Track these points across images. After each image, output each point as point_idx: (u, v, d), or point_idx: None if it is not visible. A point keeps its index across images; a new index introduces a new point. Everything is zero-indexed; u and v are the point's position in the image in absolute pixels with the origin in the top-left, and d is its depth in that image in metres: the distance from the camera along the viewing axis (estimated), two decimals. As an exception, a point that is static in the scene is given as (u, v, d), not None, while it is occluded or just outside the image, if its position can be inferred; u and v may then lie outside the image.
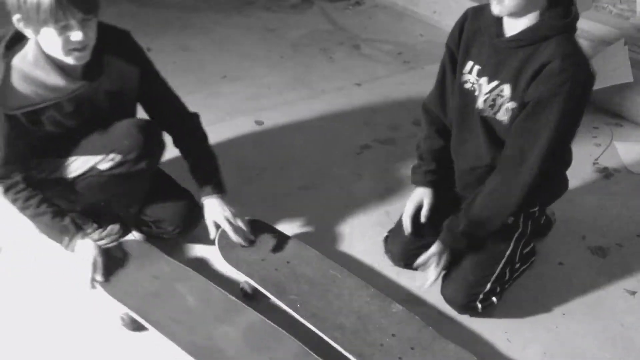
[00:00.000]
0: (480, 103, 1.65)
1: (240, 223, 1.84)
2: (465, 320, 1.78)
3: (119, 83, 1.74)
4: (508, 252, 1.75)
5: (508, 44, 1.57)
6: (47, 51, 1.57)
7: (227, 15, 3.85)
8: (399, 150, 2.57)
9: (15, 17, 1.51)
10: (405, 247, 1.86)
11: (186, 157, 1.92)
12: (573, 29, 1.54)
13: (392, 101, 2.95)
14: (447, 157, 1.84)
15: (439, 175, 1.86)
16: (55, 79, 1.60)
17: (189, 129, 1.92)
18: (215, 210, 1.84)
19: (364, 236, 2.10)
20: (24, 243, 2.04)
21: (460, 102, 1.72)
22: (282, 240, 1.90)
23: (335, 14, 4.00)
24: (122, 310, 1.69)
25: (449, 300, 1.77)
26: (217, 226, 1.84)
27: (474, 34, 1.66)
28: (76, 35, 1.51)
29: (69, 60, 1.56)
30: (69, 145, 1.79)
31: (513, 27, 1.56)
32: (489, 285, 1.73)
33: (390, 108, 2.89)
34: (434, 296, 1.82)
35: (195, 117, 1.95)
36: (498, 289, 1.76)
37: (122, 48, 1.73)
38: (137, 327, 1.69)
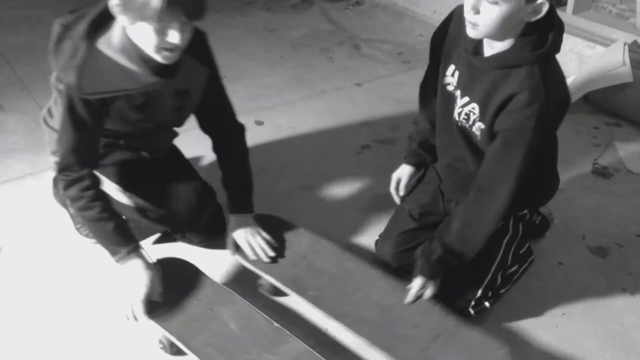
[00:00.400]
0: (455, 115, 1.64)
1: (261, 242, 1.80)
2: (466, 320, 1.78)
3: (188, 83, 1.70)
4: (498, 258, 1.75)
5: (482, 63, 1.53)
6: (136, 42, 1.50)
7: (227, 15, 3.85)
8: (399, 150, 2.56)
9: (114, 2, 1.44)
10: (395, 249, 1.86)
11: (222, 167, 1.88)
12: (548, 57, 1.48)
13: (392, 101, 2.95)
14: (432, 143, 1.86)
15: (423, 156, 1.91)
16: (136, 70, 1.54)
17: (232, 140, 1.89)
18: (237, 229, 1.81)
19: (364, 236, 2.10)
20: (24, 243, 2.04)
21: (442, 104, 1.71)
22: (296, 234, 1.89)
23: (335, 14, 4.00)
24: (161, 333, 1.61)
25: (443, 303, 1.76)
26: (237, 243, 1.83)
27: (456, 38, 1.61)
28: (173, 38, 1.45)
29: (157, 58, 1.50)
30: (123, 149, 1.82)
31: (491, 46, 1.51)
32: (480, 292, 1.73)
33: (390, 108, 2.89)
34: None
35: (241, 129, 1.90)
36: (490, 294, 1.76)
37: (197, 48, 1.65)
38: (176, 351, 1.63)
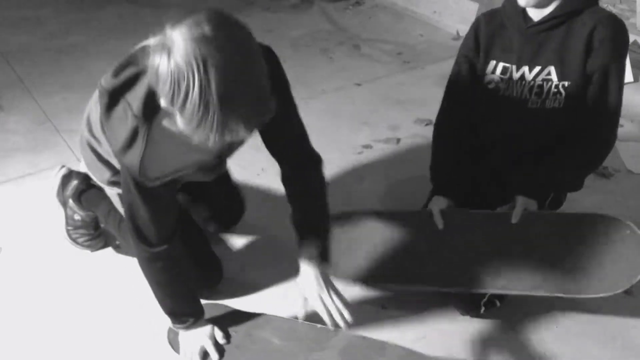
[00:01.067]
0: (525, 93, 1.66)
1: (337, 303, 1.51)
2: (466, 320, 1.78)
3: None
4: None
5: (539, 28, 1.60)
6: None
7: (227, 15, 3.85)
8: (399, 150, 2.57)
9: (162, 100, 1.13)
10: None
11: (292, 203, 1.61)
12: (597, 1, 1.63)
13: (392, 101, 2.95)
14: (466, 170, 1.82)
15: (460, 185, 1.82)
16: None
17: (303, 173, 1.60)
18: (309, 283, 1.53)
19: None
20: (24, 243, 2.04)
21: (486, 104, 1.73)
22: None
23: (335, 14, 4.00)
24: None
25: (452, 301, 1.77)
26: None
27: (493, 35, 1.69)
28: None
29: None
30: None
31: (539, 15, 1.60)
32: None
33: (390, 108, 2.89)
34: (436, 296, 1.82)
35: (316, 161, 1.61)
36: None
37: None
38: None
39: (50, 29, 3.61)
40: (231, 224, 2.04)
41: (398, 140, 2.63)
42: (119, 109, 1.31)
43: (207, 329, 1.60)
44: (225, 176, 1.96)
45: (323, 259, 1.55)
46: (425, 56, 3.43)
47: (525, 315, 1.80)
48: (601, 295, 1.57)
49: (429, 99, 2.95)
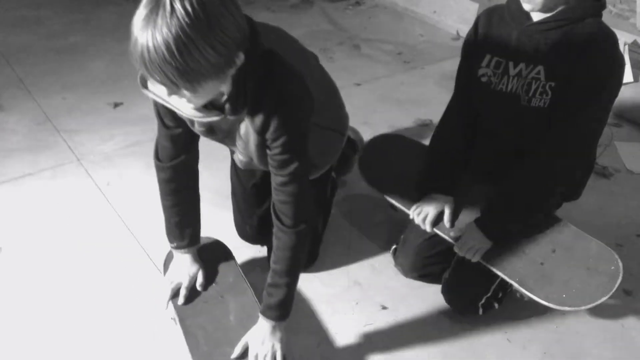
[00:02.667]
0: (518, 90, 1.65)
1: None
2: (464, 321, 1.78)
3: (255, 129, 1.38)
4: None
5: (539, 27, 1.58)
6: None
7: (227, 15, 3.84)
8: (399, 150, 2.57)
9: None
10: (416, 259, 1.85)
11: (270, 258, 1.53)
12: (602, 8, 1.60)
13: (392, 101, 2.95)
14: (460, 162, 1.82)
15: (456, 182, 1.81)
16: None
17: (284, 236, 1.46)
18: (257, 335, 1.53)
19: (364, 236, 2.10)
20: (24, 243, 2.04)
21: (478, 96, 1.73)
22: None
23: (335, 14, 4.00)
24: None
25: (449, 302, 1.78)
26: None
27: (490, 28, 1.68)
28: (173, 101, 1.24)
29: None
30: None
31: (541, 15, 1.58)
32: (491, 290, 1.73)
33: (390, 108, 2.89)
34: (436, 297, 1.82)
35: (303, 231, 1.46)
36: (500, 294, 1.76)
37: (261, 119, 1.33)
38: None
39: (50, 29, 3.60)
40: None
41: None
42: None
43: (193, 267, 1.71)
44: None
45: (282, 316, 1.53)
46: (425, 56, 3.43)
47: (525, 316, 1.81)
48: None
49: (429, 99, 2.96)
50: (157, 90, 1.24)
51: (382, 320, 1.78)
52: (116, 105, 2.86)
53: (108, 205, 2.22)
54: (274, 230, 1.48)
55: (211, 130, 1.50)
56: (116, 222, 2.14)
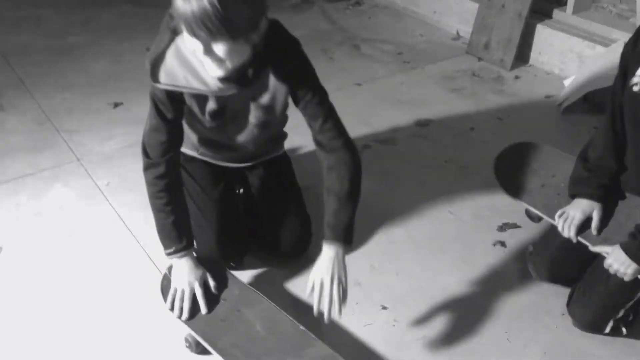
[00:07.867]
0: None
1: (335, 293, 1.48)
2: (465, 321, 1.78)
3: (270, 98, 1.64)
4: None
5: None
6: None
7: (227, 15, 3.84)
8: (399, 150, 2.57)
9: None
10: (553, 264, 1.80)
11: (327, 178, 1.62)
12: None
13: (392, 101, 2.95)
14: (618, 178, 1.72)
15: (609, 191, 1.71)
16: (207, 74, 1.47)
17: (339, 154, 1.63)
18: (321, 263, 1.53)
19: (364, 236, 2.10)
20: (24, 243, 2.04)
21: (630, 110, 1.61)
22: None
23: (335, 14, 4.00)
24: (187, 331, 1.61)
25: (574, 316, 1.73)
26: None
27: None
28: (218, 51, 1.36)
29: (208, 69, 1.44)
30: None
31: None
32: (622, 312, 1.66)
33: (390, 108, 2.89)
34: (436, 297, 1.82)
35: (347, 144, 1.64)
36: (631, 317, 1.70)
37: (280, 62, 1.61)
38: (201, 350, 1.62)
39: (50, 29, 3.60)
40: (297, 254, 1.96)
41: (398, 140, 2.63)
42: (163, 27, 1.52)
43: (199, 270, 1.66)
44: (299, 204, 1.99)
45: (346, 241, 1.56)
46: (425, 56, 3.43)
47: (525, 316, 1.81)
48: None
49: (429, 99, 2.96)
50: (171, 78, 1.47)
51: (382, 320, 1.79)
52: (116, 105, 2.86)
53: (108, 205, 2.22)
54: (327, 162, 1.62)
55: (221, 112, 1.60)
56: (116, 222, 2.14)
